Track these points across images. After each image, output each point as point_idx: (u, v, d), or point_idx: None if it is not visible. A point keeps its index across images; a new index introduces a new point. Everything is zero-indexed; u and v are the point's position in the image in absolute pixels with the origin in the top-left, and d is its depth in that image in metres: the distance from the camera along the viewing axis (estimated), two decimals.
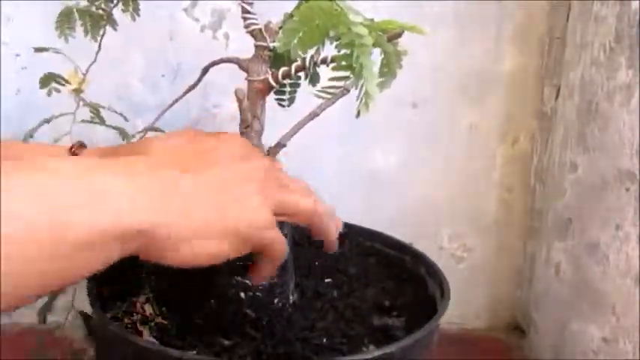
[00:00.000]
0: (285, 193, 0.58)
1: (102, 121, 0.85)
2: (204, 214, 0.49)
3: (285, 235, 0.68)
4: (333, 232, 0.63)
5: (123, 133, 0.87)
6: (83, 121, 0.84)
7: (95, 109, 0.85)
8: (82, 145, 0.67)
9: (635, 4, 0.85)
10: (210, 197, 0.50)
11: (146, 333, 0.70)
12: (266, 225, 0.54)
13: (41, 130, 0.82)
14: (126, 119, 0.89)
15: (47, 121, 0.83)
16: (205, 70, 0.76)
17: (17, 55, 1.02)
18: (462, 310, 1.22)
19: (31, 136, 0.83)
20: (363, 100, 0.54)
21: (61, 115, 0.83)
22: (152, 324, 0.71)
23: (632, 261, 0.86)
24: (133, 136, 0.87)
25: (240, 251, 0.53)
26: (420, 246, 0.87)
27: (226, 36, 1.06)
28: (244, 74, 0.67)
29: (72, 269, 0.42)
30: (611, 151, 0.90)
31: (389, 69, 0.62)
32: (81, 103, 0.84)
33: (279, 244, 0.57)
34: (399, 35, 0.60)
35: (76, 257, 0.41)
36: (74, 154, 0.65)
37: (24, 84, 1.02)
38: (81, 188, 0.42)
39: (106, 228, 0.42)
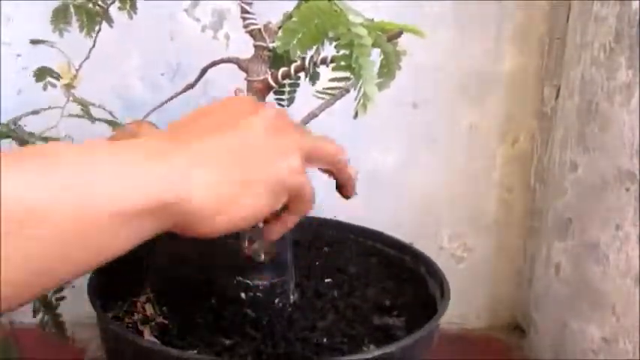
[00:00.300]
0: (309, 137, 0.56)
1: (91, 118, 0.85)
2: (233, 177, 0.48)
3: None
4: (354, 175, 0.62)
5: (113, 125, 0.86)
6: (71, 115, 0.83)
7: (84, 106, 0.85)
8: None
9: (635, 5, 0.85)
10: (236, 157, 0.49)
11: (147, 333, 0.70)
12: (298, 170, 0.53)
13: (32, 124, 0.82)
14: (115, 118, 0.89)
15: (36, 112, 0.83)
16: (204, 71, 0.76)
17: (18, 55, 1.02)
18: (462, 309, 1.22)
19: (15, 124, 0.82)
20: (361, 101, 0.54)
21: (50, 107, 0.83)
22: (153, 324, 0.71)
23: (632, 261, 0.86)
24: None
25: (275, 205, 0.52)
26: (420, 246, 0.88)
27: (227, 36, 1.06)
28: (244, 74, 0.68)
29: (103, 250, 0.41)
30: (611, 151, 0.90)
31: (388, 69, 0.62)
32: (70, 98, 0.84)
33: (309, 189, 0.56)
34: (399, 35, 0.60)
35: (106, 238, 0.41)
36: None
37: (25, 84, 1.02)
38: (106, 166, 0.42)
39: (133, 203, 0.41)
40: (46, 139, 0.78)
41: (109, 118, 0.87)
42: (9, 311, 0.38)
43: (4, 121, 0.81)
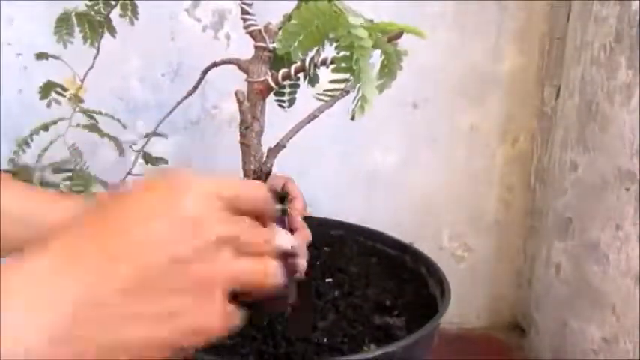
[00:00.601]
0: (241, 262, 0.45)
1: (100, 132, 0.85)
2: (113, 334, 0.40)
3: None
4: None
5: (118, 146, 0.87)
6: (78, 125, 0.84)
7: (92, 117, 0.85)
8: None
9: (634, 5, 0.85)
10: (124, 307, 0.40)
11: None
12: (215, 315, 0.43)
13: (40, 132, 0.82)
14: (124, 126, 0.89)
15: (45, 128, 0.83)
16: (205, 72, 0.76)
17: (19, 55, 1.03)
18: (463, 309, 1.22)
19: (27, 143, 0.83)
20: (359, 103, 0.54)
21: (60, 119, 0.83)
22: None
23: (632, 261, 0.86)
24: (134, 143, 0.86)
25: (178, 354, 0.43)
26: (421, 246, 0.88)
27: (227, 36, 1.06)
28: (244, 75, 0.68)
29: None
30: (611, 151, 0.90)
31: (389, 70, 0.62)
32: (77, 109, 0.84)
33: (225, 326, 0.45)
34: (399, 36, 0.60)
35: None
36: None
37: (26, 84, 1.02)
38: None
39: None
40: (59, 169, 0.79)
41: (116, 125, 0.88)
42: None
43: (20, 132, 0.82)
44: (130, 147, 0.87)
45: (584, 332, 0.96)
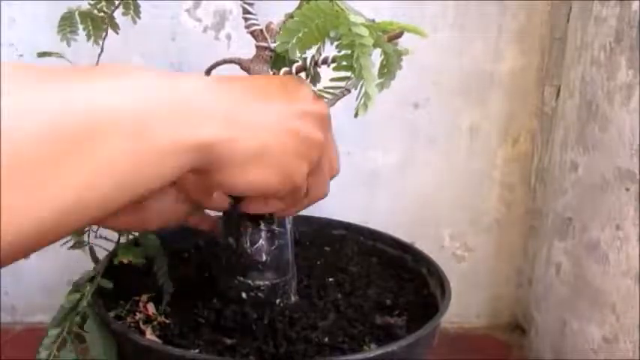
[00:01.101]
0: (329, 159, 0.60)
1: None
2: (266, 141, 0.49)
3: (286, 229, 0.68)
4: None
5: None
6: None
7: None
8: None
9: (635, 5, 0.86)
10: (280, 122, 0.50)
11: (149, 332, 0.70)
12: (304, 179, 0.55)
13: None
14: None
15: None
16: (208, 73, 0.76)
17: (20, 56, 1.03)
18: (463, 309, 1.22)
19: None
20: (362, 101, 0.54)
21: None
22: (155, 323, 0.72)
23: (632, 260, 0.86)
24: None
25: (283, 190, 0.53)
26: (421, 245, 0.88)
27: (228, 36, 1.07)
28: (245, 75, 0.68)
29: (151, 179, 0.41)
30: (611, 151, 0.90)
31: (388, 69, 0.62)
32: None
33: (302, 193, 0.58)
34: (399, 36, 0.61)
35: (155, 167, 0.40)
36: None
37: None
38: (160, 101, 0.41)
39: (185, 140, 0.42)
40: None
41: None
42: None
43: None
44: None
45: (585, 332, 0.96)
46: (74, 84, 0.37)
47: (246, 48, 0.68)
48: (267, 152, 0.49)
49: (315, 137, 0.53)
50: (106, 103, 0.38)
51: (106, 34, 0.81)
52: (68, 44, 0.79)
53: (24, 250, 0.35)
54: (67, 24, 0.79)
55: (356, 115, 0.55)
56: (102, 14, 0.80)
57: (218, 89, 0.47)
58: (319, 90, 0.64)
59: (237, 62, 0.69)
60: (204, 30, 1.06)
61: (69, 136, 0.35)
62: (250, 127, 0.48)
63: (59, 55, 0.81)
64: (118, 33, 0.82)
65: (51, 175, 0.34)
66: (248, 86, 0.51)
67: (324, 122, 0.55)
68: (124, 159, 0.38)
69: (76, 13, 0.79)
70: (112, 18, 0.81)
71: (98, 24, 0.80)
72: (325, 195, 0.63)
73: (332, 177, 0.62)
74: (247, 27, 0.66)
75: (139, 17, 0.82)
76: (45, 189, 0.34)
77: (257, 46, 0.66)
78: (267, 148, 0.49)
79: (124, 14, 0.81)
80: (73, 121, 0.35)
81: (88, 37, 0.80)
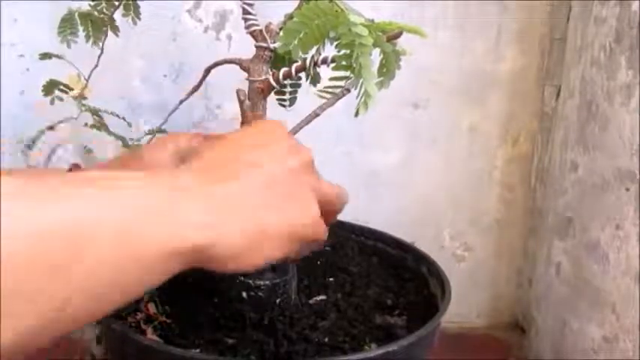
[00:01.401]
0: (324, 183, 0.59)
1: (106, 129, 0.85)
2: (259, 220, 0.49)
3: None
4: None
5: (124, 142, 0.87)
6: (86, 125, 0.84)
7: (98, 116, 0.85)
8: (77, 166, 0.67)
9: (635, 6, 0.86)
10: (263, 200, 0.50)
11: (150, 332, 0.71)
12: (317, 220, 0.54)
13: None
14: (129, 124, 0.89)
15: (51, 127, 0.84)
16: (208, 71, 0.76)
17: (21, 56, 1.03)
18: (463, 309, 1.22)
19: (34, 142, 0.83)
20: (363, 100, 0.54)
21: (65, 119, 0.83)
22: (156, 323, 0.72)
23: (632, 260, 0.86)
24: (139, 140, 0.86)
25: (291, 251, 0.53)
26: (421, 245, 0.88)
27: (229, 37, 1.07)
28: (245, 75, 0.68)
29: (136, 286, 0.42)
30: (611, 151, 0.90)
31: (387, 69, 0.62)
32: (82, 108, 0.84)
33: (322, 238, 0.57)
34: (398, 36, 0.61)
35: (141, 274, 0.41)
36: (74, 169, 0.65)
37: (28, 85, 1.02)
38: (144, 206, 0.42)
39: (168, 246, 0.42)
40: None
41: (122, 123, 0.88)
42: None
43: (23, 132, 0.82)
44: (133, 142, 0.87)
45: (585, 331, 0.96)
46: (61, 197, 0.39)
47: (247, 48, 0.68)
48: (267, 232, 0.49)
49: (310, 184, 0.54)
50: (89, 216, 0.39)
51: (106, 36, 0.81)
52: (68, 46, 0.79)
53: (6, 356, 0.36)
54: (67, 25, 0.79)
55: (356, 114, 0.55)
56: (102, 16, 0.80)
57: (204, 183, 0.47)
58: (319, 90, 0.64)
59: (238, 62, 0.69)
60: (205, 30, 1.06)
61: (51, 251, 0.36)
62: (242, 215, 0.48)
63: (60, 57, 0.82)
64: (118, 35, 0.82)
65: (33, 288, 0.36)
66: (227, 163, 0.51)
67: (311, 167, 0.57)
68: (107, 269, 0.39)
69: (76, 15, 0.79)
70: (112, 20, 0.81)
71: (98, 26, 0.80)
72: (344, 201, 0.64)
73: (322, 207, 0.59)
74: (247, 27, 0.66)
75: (139, 18, 0.82)
76: (29, 300, 0.36)
77: (257, 47, 0.67)
78: (266, 225, 0.49)
79: (124, 15, 0.81)
80: (56, 236, 0.37)
81: (87, 38, 0.80)
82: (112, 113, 0.87)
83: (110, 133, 0.85)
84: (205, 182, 0.48)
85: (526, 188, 1.19)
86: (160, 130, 0.84)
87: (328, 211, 0.58)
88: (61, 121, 0.83)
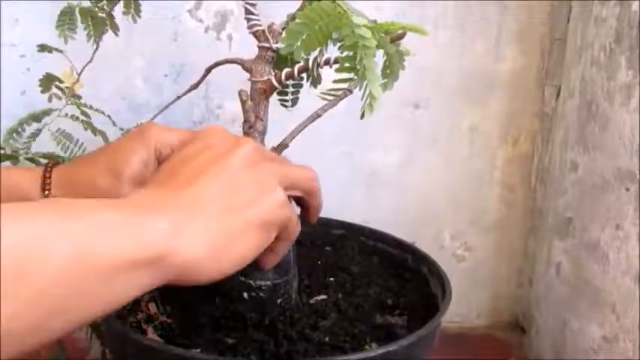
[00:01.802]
0: (286, 165, 0.58)
1: (89, 125, 0.84)
2: (221, 222, 0.49)
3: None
4: (321, 202, 0.64)
5: (104, 138, 0.86)
6: (66, 115, 0.84)
7: (85, 113, 0.85)
8: (56, 163, 0.67)
9: (635, 6, 0.86)
10: (221, 201, 0.50)
11: (150, 331, 0.71)
12: (283, 203, 0.54)
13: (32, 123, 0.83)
14: (114, 123, 0.89)
15: (37, 119, 0.83)
16: (208, 71, 0.76)
17: (22, 56, 1.03)
18: (463, 308, 1.23)
19: (17, 133, 0.83)
20: (368, 101, 0.54)
21: (51, 110, 0.83)
22: (156, 323, 0.72)
23: (632, 260, 0.87)
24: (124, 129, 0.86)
25: (265, 243, 0.53)
26: (422, 245, 0.88)
27: (230, 37, 1.07)
28: (248, 75, 0.68)
29: (100, 302, 0.42)
30: (611, 151, 0.90)
31: (391, 70, 0.62)
32: (69, 102, 0.84)
33: (294, 220, 0.57)
34: (402, 37, 0.61)
35: (102, 289, 0.41)
36: (49, 171, 0.65)
37: (29, 85, 1.02)
38: (99, 221, 0.42)
39: (128, 255, 0.42)
40: (32, 160, 0.79)
41: (109, 122, 0.88)
42: None
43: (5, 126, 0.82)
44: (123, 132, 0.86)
45: (585, 331, 0.96)
46: (12, 219, 0.38)
47: (247, 48, 0.69)
48: (232, 231, 0.49)
49: (266, 169, 0.54)
50: (41, 235, 0.39)
51: (105, 32, 0.81)
52: (65, 41, 0.79)
53: None
54: (65, 20, 0.79)
55: (362, 116, 0.56)
56: (102, 13, 0.80)
57: (152, 208, 0.47)
58: (322, 92, 0.64)
59: (239, 62, 0.69)
60: (206, 30, 1.07)
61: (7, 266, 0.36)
62: (203, 219, 0.48)
63: (59, 51, 0.82)
64: (117, 34, 0.82)
65: None
66: (180, 181, 0.51)
67: (259, 151, 0.55)
68: (63, 287, 0.39)
69: (77, 11, 0.79)
70: (112, 17, 0.81)
71: (98, 23, 0.80)
72: (314, 182, 0.62)
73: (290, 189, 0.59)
74: (249, 27, 0.66)
75: (139, 16, 0.82)
76: None
77: (259, 47, 0.67)
78: (229, 227, 0.49)
79: (124, 13, 0.81)
80: (6, 256, 0.37)
81: (89, 37, 0.80)
82: (97, 110, 0.86)
83: (92, 128, 0.85)
84: (161, 193, 0.48)
85: (526, 188, 1.19)
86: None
87: (302, 194, 0.59)
88: (44, 111, 0.82)
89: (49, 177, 0.65)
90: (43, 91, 0.83)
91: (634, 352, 0.86)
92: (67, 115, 0.84)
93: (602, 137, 0.93)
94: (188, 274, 0.47)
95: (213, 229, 0.48)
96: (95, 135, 0.84)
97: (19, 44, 1.03)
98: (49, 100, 0.83)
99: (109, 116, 0.88)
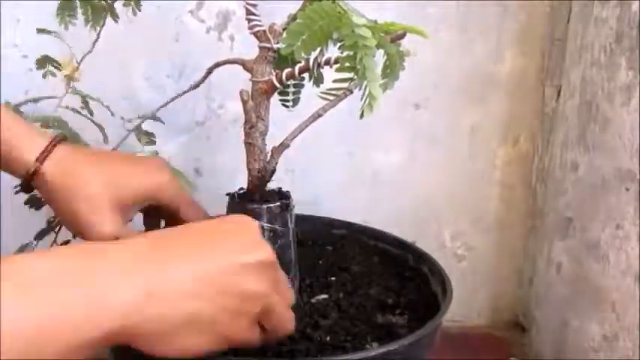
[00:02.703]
0: (276, 297, 0.54)
1: (89, 113, 0.85)
2: (185, 309, 0.47)
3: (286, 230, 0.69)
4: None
5: (102, 132, 0.87)
6: (67, 107, 0.84)
7: (84, 100, 0.85)
8: (64, 138, 0.66)
9: (635, 6, 0.86)
10: (196, 289, 0.48)
11: None
12: (249, 326, 0.52)
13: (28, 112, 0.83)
14: (112, 113, 0.89)
15: (35, 100, 0.84)
16: (209, 71, 0.77)
17: (25, 57, 1.03)
18: (464, 308, 1.23)
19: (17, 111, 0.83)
20: (367, 102, 0.55)
21: (49, 97, 0.83)
22: None
23: (632, 259, 0.87)
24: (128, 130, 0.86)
25: (222, 346, 0.51)
26: (422, 245, 0.88)
27: (231, 37, 1.07)
28: (249, 75, 0.68)
29: None
30: (611, 151, 0.91)
31: (391, 70, 0.63)
32: (69, 90, 0.84)
33: (255, 341, 0.55)
34: (402, 37, 0.61)
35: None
36: (53, 145, 0.64)
37: (32, 85, 1.03)
38: (55, 299, 0.42)
39: (83, 336, 0.42)
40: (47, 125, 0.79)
41: (108, 113, 0.88)
42: None
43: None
44: (124, 121, 0.86)
45: (585, 330, 0.96)
46: None
47: (249, 49, 0.69)
48: (195, 320, 0.48)
49: (255, 289, 0.51)
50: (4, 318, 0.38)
51: (104, 23, 0.81)
52: (66, 27, 0.79)
53: None
54: (66, 7, 0.80)
55: (361, 116, 0.56)
56: (102, 1, 0.80)
57: (138, 261, 0.46)
58: (322, 92, 0.64)
59: (240, 63, 0.70)
60: (208, 31, 1.07)
61: None
62: (171, 299, 0.46)
63: (57, 35, 0.82)
64: (116, 21, 0.82)
65: None
66: (176, 246, 0.50)
67: (268, 268, 0.53)
68: None
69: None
70: (111, 6, 0.81)
71: (98, 10, 0.80)
72: (290, 327, 0.59)
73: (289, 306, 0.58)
74: (250, 28, 0.67)
75: (139, 9, 0.82)
76: None
77: (260, 47, 0.67)
78: (194, 315, 0.48)
79: (125, 5, 0.81)
80: None
81: (86, 22, 0.80)
82: (97, 100, 0.87)
83: (91, 119, 0.85)
84: (139, 261, 0.47)
85: (526, 188, 1.19)
86: (154, 117, 0.84)
87: (269, 324, 0.55)
88: (44, 97, 0.83)
89: (51, 150, 0.64)
90: (38, 68, 0.83)
91: (634, 351, 0.86)
92: (67, 107, 0.84)
93: (602, 137, 0.93)
94: (139, 346, 0.46)
95: (176, 314, 0.47)
96: (100, 129, 0.85)
97: (21, 44, 1.04)
98: (44, 76, 0.84)
99: (107, 107, 0.88)
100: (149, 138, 0.87)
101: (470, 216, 1.20)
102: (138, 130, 0.85)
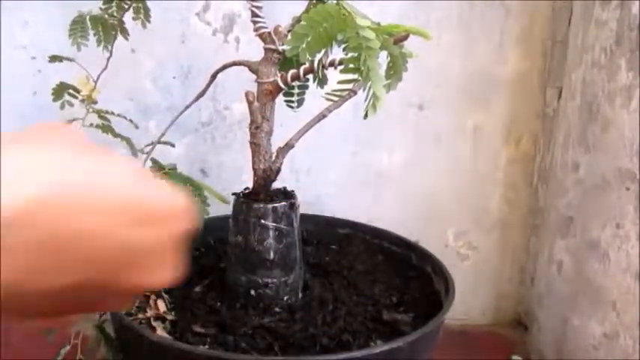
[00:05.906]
0: None
1: (112, 131, 0.85)
2: None
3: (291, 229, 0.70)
4: None
5: (130, 144, 0.87)
6: (91, 125, 0.85)
7: (105, 118, 0.85)
8: None
9: (635, 8, 0.87)
10: None
11: (159, 328, 0.72)
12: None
13: None
14: (136, 126, 0.90)
15: None
16: (214, 76, 0.78)
17: (33, 58, 1.04)
18: (467, 306, 1.23)
19: None
20: (371, 102, 0.55)
21: (73, 119, 0.84)
22: (165, 320, 0.73)
23: (632, 258, 0.88)
24: (142, 151, 0.86)
25: None
26: (426, 244, 0.89)
27: (237, 40, 1.08)
28: (254, 77, 0.69)
29: None
30: (611, 151, 0.91)
31: (395, 71, 0.63)
32: (90, 109, 0.85)
33: None
34: (405, 38, 0.62)
35: None
36: None
37: (40, 86, 1.04)
38: None
39: None
40: None
41: (128, 126, 0.89)
42: None
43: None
44: (141, 150, 0.87)
45: (586, 328, 0.97)
46: None
47: (255, 51, 0.70)
48: None
49: None
50: None
51: (115, 39, 0.82)
52: (78, 49, 0.81)
53: None
54: (77, 28, 0.81)
55: (365, 116, 0.57)
56: (112, 20, 0.82)
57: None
58: (327, 93, 0.65)
59: (246, 64, 0.71)
60: (214, 33, 1.08)
61: None
62: None
63: (70, 60, 0.83)
64: (127, 39, 0.83)
65: None
66: None
67: None
68: None
69: (87, 19, 0.81)
70: (122, 23, 0.82)
71: (108, 29, 0.81)
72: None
73: None
74: (256, 30, 0.68)
75: (149, 21, 0.83)
76: None
77: (265, 49, 0.68)
78: None
79: (134, 19, 0.83)
80: None
81: (99, 42, 0.81)
82: (119, 115, 0.88)
83: (116, 135, 0.86)
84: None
85: (528, 188, 1.20)
86: (164, 142, 0.85)
87: None
88: (68, 121, 0.83)
89: None
90: (55, 100, 0.83)
91: (634, 348, 0.87)
92: (91, 125, 0.84)
93: (602, 138, 0.94)
94: None
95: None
96: (119, 139, 0.85)
97: (29, 46, 1.05)
98: (62, 107, 0.84)
99: (130, 120, 0.89)
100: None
101: (473, 216, 1.21)
102: (153, 160, 0.84)
